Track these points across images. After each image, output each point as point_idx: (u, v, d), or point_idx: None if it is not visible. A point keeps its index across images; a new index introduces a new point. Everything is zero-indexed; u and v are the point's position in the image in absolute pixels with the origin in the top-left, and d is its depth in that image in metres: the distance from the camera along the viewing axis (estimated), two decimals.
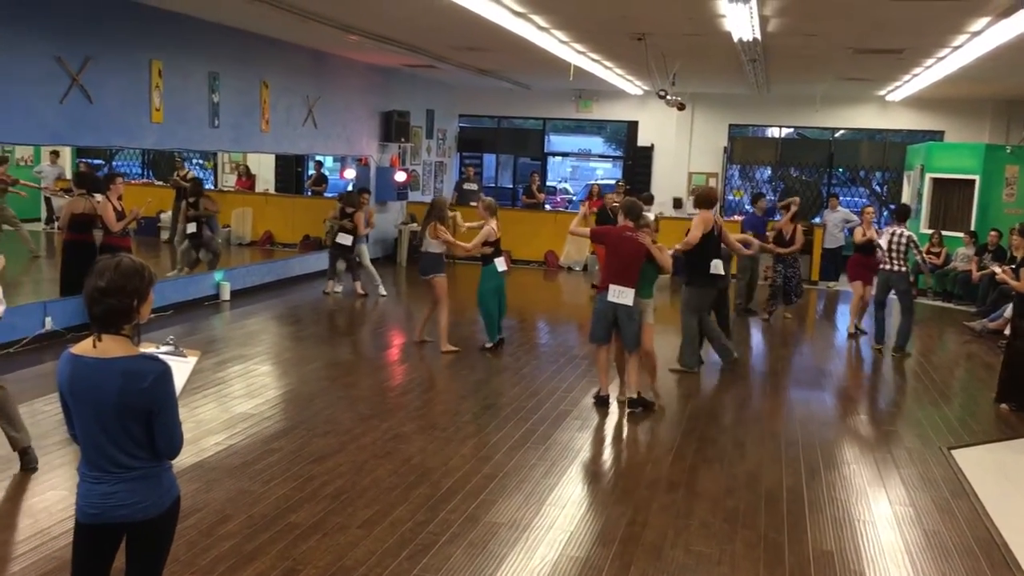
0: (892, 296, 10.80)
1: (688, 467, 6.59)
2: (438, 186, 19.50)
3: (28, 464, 5.91)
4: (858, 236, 11.47)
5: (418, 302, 12.35)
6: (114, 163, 19.80)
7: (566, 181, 28.76)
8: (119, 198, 10.02)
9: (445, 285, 9.74)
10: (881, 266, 10.80)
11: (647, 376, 8.15)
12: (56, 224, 13.49)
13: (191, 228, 12.67)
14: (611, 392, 8.07)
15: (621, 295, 7.65)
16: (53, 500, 5.42)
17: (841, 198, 17.97)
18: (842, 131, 19.84)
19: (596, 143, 27.30)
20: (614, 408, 8.03)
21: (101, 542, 3.19)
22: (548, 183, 22.84)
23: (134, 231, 10.63)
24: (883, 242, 10.73)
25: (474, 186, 18.52)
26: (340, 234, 12.89)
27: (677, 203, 18.83)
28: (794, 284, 12.56)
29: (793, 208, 12.56)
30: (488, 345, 9.89)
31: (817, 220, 17.78)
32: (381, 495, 5.75)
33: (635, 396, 7.88)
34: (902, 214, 11.19)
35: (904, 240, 10.54)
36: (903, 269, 10.63)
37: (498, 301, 9.83)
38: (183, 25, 11.01)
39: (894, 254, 10.61)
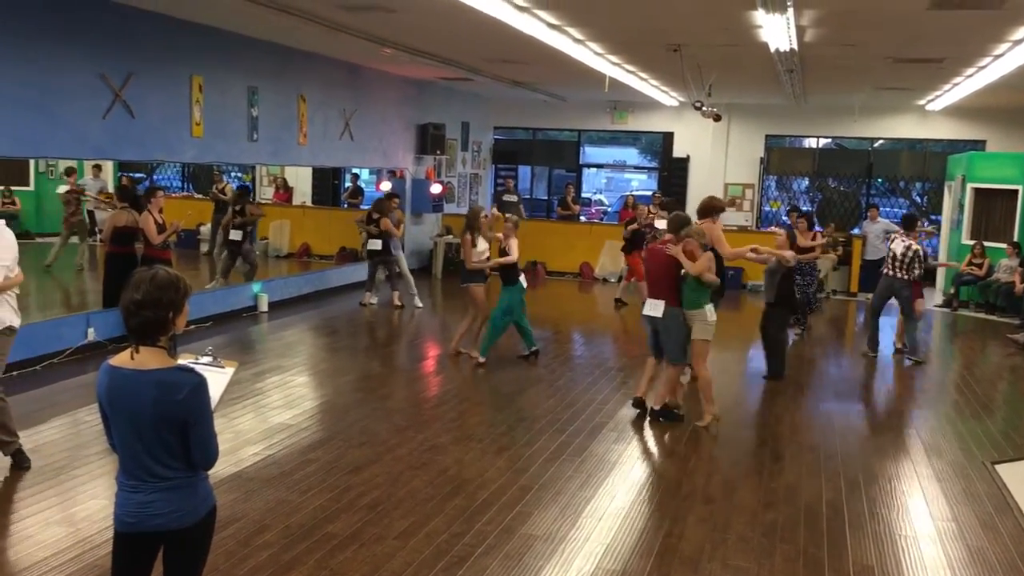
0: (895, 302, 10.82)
1: (725, 480, 6.53)
2: (473, 198, 19.57)
3: (21, 464, 6.17)
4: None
5: (454, 313, 12.39)
6: (155, 176, 20.11)
7: (601, 192, 28.74)
8: (160, 211, 10.17)
9: (482, 293, 9.78)
10: (885, 271, 10.85)
11: (705, 404, 7.81)
12: (98, 237, 13.74)
13: (236, 235, 12.82)
14: (648, 399, 8.04)
15: (652, 307, 7.72)
16: (94, 509, 5.50)
17: (881, 209, 17.75)
18: (881, 141, 19.63)
19: (631, 154, 27.25)
20: (651, 420, 7.98)
21: (138, 551, 3.23)
22: (583, 194, 22.82)
23: (174, 243, 10.78)
24: (897, 250, 10.75)
25: (514, 198, 18.54)
26: (370, 240, 12.98)
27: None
28: (811, 292, 12.42)
29: (820, 241, 12.56)
30: (481, 360, 9.66)
31: (856, 231, 17.59)
32: (417, 506, 5.76)
33: (657, 408, 7.85)
34: (910, 223, 11.21)
35: (911, 254, 10.59)
36: (906, 277, 10.64)
37: (520, 315, 9.80)
38: (223, 41, 11.19)
39: (897, 263, 10.68)
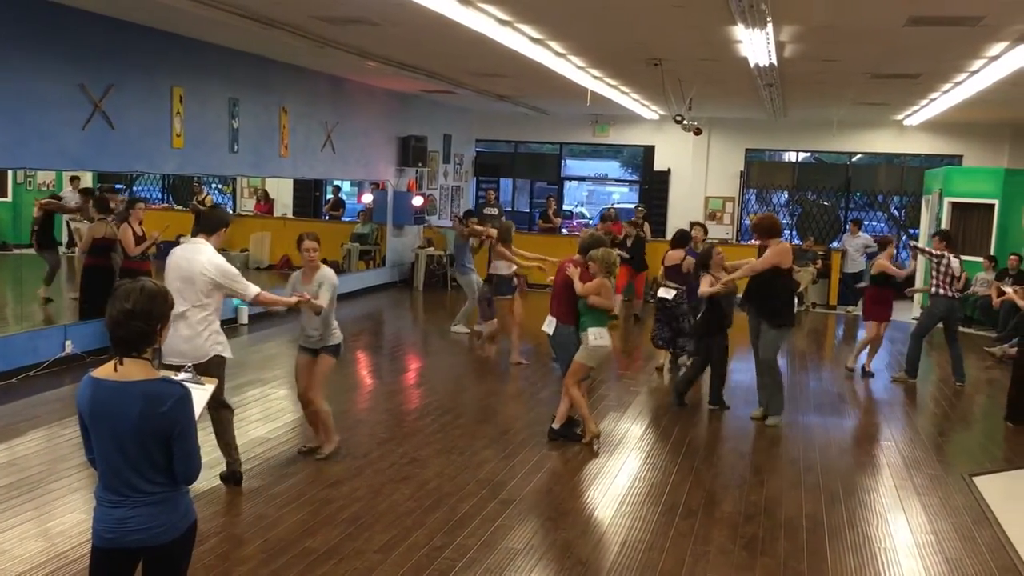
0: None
1: (706, 493, 6.54)
2: (455, 211, 19.58)
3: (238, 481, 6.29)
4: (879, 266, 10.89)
5: (436, 324, 12.35)
6: (135, 188, 20.01)
7: (582, 205, 28.82)
8: (140, 223, 10.12)
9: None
10: (943, 292, 10.31)
11: (585, 422, 7.61)
12: (77, 248, 13.65)
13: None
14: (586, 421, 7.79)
15: (547, 324, 7.71)
16: (71, 523, 5.44)
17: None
18: (859, 155, 19.81)
19: (613, 167, 27.37)
20: (632, 434, 8.01)
21: (116, 566, 3.20)
22: (564, 207, 22.88)
23: (154, 255, 10.71)
24: (955, 267, 10.24)
25: (495, 210, 18.56)
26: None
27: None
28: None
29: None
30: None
31: (835, 245, 17.72)
32: (398, 520, 5.74)
33: (556, 427, 7.61)
34: (947, 236, 10.84)
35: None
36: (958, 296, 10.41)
37: None
38: (204, 52, 11.16)
39: (955, 281, 10.29)
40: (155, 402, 3.04)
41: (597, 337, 7.39)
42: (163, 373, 3.23)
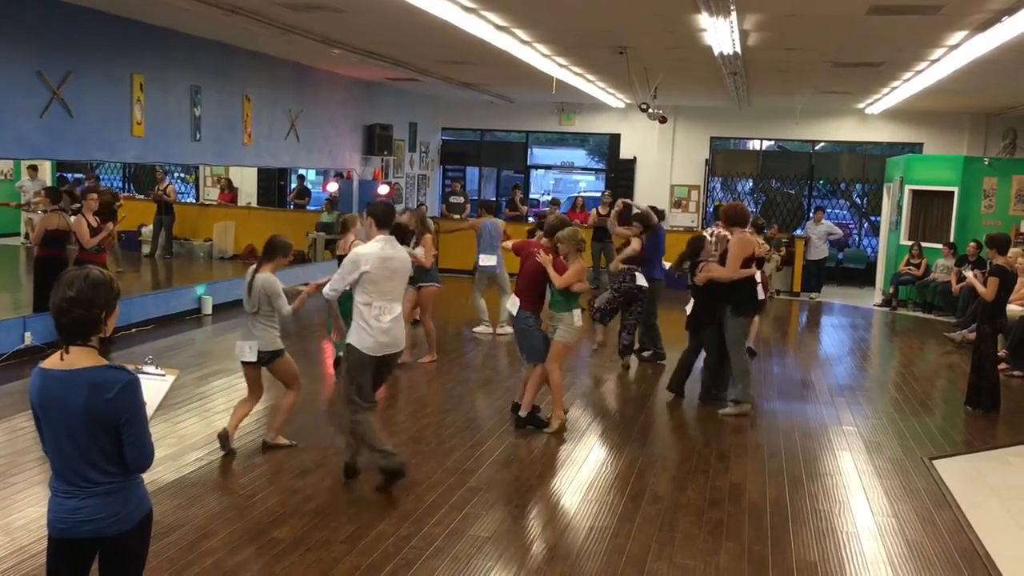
0: None
1: (671, 479, 6.59)
2: (421, 199, 19.52)
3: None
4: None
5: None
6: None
7: (549, 194, 28.84)
8: (94, 214, 9.96)
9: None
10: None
11: (554, 408, 7.61)
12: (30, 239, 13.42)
13: None
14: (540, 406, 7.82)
15: (512, 304, 7.67)
16: (32, 517, 5.36)
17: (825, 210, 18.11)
18: (822, 143, 20.01)
19: (579, 156, 27.39)
20: (598, 421, 8.04)
21: (72, 557, 3.17)
22: (531, 196, 22.88)
23: (118, 245, 10.56)
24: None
25: (460, 199, 18.59)
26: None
27: (659, 216, 18.87)
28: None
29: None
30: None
31: (799, 232, 17.91)
32: (364, 509, 5.72)
33: (522, 415, 7.60)
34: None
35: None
36: None
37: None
38: (165, 39, 11.00)
39: None
40: (100, 389, 3.01)
41: (578, 318, 7.48)
42: (111, 360, 3.20)
